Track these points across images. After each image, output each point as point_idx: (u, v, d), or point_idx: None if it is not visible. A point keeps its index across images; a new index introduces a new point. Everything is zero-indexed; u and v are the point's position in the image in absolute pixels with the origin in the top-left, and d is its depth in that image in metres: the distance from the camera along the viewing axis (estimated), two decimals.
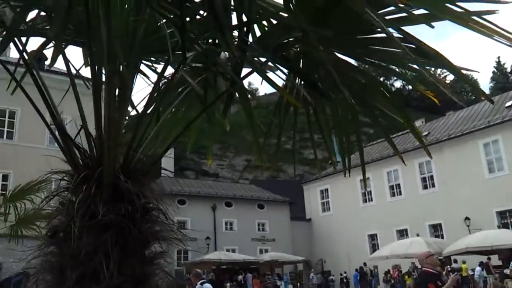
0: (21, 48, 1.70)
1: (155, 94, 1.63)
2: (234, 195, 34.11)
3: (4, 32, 1.70)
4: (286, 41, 1.78)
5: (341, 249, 32.65)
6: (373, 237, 32.12)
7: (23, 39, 1.96)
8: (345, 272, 31.27)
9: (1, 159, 20.52)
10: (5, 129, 22.87)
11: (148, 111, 1.66)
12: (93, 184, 1.44)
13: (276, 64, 1.75)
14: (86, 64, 1.99)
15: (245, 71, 1.73)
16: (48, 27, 1.76)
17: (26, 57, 1.85)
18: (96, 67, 1.51)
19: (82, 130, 1.70)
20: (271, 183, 45.39)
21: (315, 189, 37.54)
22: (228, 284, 26.78)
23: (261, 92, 69.21)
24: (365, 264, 29.19)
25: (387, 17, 1.57)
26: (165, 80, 1.91)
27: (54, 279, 1.36)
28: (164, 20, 1.67)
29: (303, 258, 32.08)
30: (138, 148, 1.60)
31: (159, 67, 1.93)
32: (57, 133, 1.62)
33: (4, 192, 19.77)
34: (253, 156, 55.87)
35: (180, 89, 2.03)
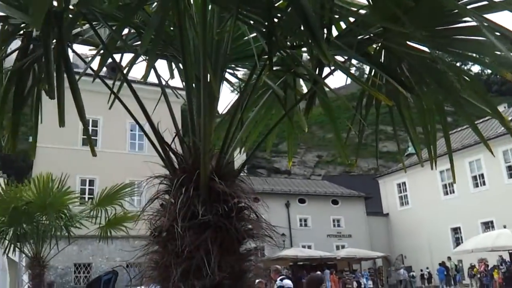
0: (117, 62, 1.86)
1: (245, 99, 1.70)
2: (307, 192, 33.97)
3: (101, 50, 1.86)
4: (366, 37, 1.79)
5: (422, 244, 31.38)
6: (456, 230, 30.50)
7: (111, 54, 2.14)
8: (427, 268, 30.00)
9: (87, 165, 22.03)
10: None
11: (232, 115, 1.75)
12: (191, 186, 1.55)
13: (359, 61, 1.76)
14: (171, 76, 2.13)
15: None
16: (136, 43, 1.90)
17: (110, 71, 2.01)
18: (187, 77, 1.62)
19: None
20: (344, 178, 44.64)
21: (391, 182, 36.35)
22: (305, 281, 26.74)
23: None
24: (449, 258, 27.82)
25: (468, 7, 1.53)
26: (243, 84, 1.99)
27: (160, 275, 1.48)
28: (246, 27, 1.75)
29: (382, 253, 31.23)
30: (227, 150, 1.69)
31: (237, 73, 2.02)
32: (154, 141, 1.75)
33: (91, 196, 21.31)
34: (324, 152, 55.28)
35: (259, 92, 2.10)
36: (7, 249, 6.86)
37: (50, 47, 1.56)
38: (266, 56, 1.66)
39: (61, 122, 1.73)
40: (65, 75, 1.78)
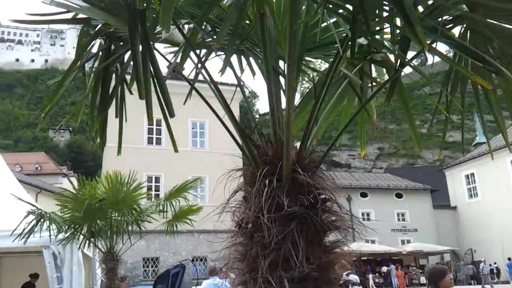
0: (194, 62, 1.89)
1: (324, 89, 1.68)
2: (369, 185, 33.26)
3: (182, 48, 1.90)
4: (450, 18, 1.69)
5: (493, 238, 29.75)
6: None
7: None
8: (495, 263, 28.44)
9: (153, 163, 22.90)
10: (154, 136, 25.55)
11: (313, 106, 1.72)
12: (274, 178, 1.55)
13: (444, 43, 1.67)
14: (241, 70, 2.14)
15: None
16: (207, 39, 1.93)
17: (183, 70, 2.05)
18: (268, 70, 1.62)
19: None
20: (408, 171, 43.26)
21: (459, 174, 34.73)
22: (370, 276, 26.26)
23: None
24: None
25: None
26: (317, 74, 1.96)
27: (247, 267, 1.49)
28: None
29: (450, 248, 29.96)
30: (308, 142, 1.68)
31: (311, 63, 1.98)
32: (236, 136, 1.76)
33: (157, 192, 22.15)
34: (386, 144, 53.79)
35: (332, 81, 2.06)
36: (82, 245, 7.25)
37: (138, 47, 1.62)
38: (339, 44, 1.62)
39: (150, 120, 1.80)
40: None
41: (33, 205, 6.46)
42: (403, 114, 2.14)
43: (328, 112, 2.00)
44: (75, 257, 7.61)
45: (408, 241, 31.43)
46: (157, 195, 20.26)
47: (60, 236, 6.64)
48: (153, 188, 24.29)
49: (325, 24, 1.77)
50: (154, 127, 25.30)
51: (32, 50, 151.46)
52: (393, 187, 33.48)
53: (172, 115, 1.77)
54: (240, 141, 1.69)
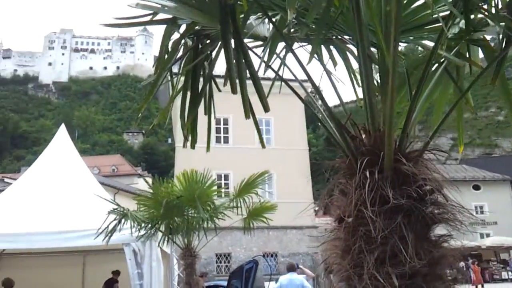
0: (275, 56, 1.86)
1: (426, 73, 1.58)
2: (443, 178, 31.72)
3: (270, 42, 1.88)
4: None
5: None
6: None
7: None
8: None
9: (221, 161, 23.35)
10: (222, 134, 26.08)
11: (415, 92, 1.63)
12: (375, 169, 1.49)
13: None
14: (333, 62, 2.07)
15: None
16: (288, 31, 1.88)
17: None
18: (364, 57, 1.55)
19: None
20: (485, 161, 40.71)
21: None
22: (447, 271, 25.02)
23: None
24: None
25: None
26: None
27: (351, 262, 1.45)
28: None
29: None
30: (409, 130, 1.59)
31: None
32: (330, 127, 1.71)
33: (227, 189, 22.60)
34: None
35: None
36: (161, 242, 7.51)
37: (231, 43, 1.62)
38: (437, 25, 1.52)
39: (247, 115, 1.80)
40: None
41: (115, 204, 6.80)
42: (503, 100, 1.97)
43: (424, 99, 1.88)
44: (154, 253, 7.91)
45: (488, 235, 29.64)
46: (227, 192, 20.66)
47: (140, 233, 6.92)
48: (223, 186, 24.83)
49: (420, 1, 1.66)
50: (222, 126, 25.83)
51: (104, 58, 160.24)
52: (470, 178, 31.70)
53: (267, 109, 1.75)
54: (335, 133, 1.63)
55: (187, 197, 6.47)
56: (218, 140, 25.92)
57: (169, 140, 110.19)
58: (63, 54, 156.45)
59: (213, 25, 1.76)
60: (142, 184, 55.94)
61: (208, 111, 2.15)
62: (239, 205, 7.32)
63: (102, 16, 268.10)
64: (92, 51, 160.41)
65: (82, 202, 8.70)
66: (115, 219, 6.45)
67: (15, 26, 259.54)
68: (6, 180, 46.55)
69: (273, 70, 1.95)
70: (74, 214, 8.15)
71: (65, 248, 9.65)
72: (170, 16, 1.83)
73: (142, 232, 6.80)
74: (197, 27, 1.88)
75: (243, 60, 1.64)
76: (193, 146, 2.16)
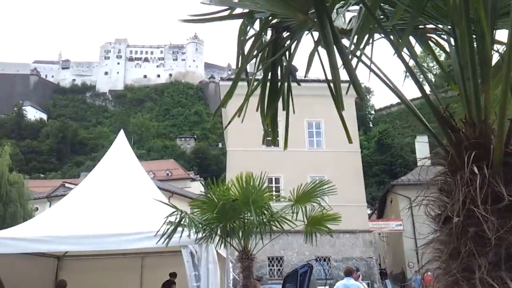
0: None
1: None
2: None
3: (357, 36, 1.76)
4: None
5: None
6: None
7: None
8: None
9: (272, 164, 23.31)
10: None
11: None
12: (483, 164, 1.35)
13: None
14: (431, 51, 1.93)
15: None
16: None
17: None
18: (470, 43, 1.41)
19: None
20: None
21: None
22: None
23: None
24: None
25: None
26: None
27: (459, 266, 1.31)
28: None
29: None
30: None
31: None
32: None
33: (277, 192, 22.52)
34: None
35: None
36: (218, 244, 7.53)
37: (330, 35, 1.53)
38: None
39: (341, 108, 1.72)
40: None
41: (174, 207, 6.90)
42: None
43: None
44: (211, 255, 7.95)
45: None
46: (283, 196, 20.65)
47: (197, 235, 6.98)
48: (274, 189, 24.81)
49: None
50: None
51: (157, 66, 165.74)
52: None
53: (342, 108, 1.65)
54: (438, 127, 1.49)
55: (242, 200, 6.45)
56: (268, 143, 25.95)
57: (220, 145, 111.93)
58: (118, 63, 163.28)
59: (295, 16, 1.67)
60: (195, 187, 57.08)
61: (286, 107, 2.06)
62: (296, 210, 7.19)
63: (155, 25, 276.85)
64: (146, 59, 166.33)
65: (141, 205, 8.92)
66: (174, 222, 6.53)
67: (72, 38, 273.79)
68: (67, 185, 49.12)
69: (365, 64, 1.83)
70: (133, 217, 8.36)
71: (125, 250, 9.94)
72: (246, 10, 1.76)
73: (199, 234, 6.85)
74: (275, 20, 1.80)
75: (336, 52, 1.53)
76: (274, 143, 2.09)
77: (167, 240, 6.44)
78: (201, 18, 1.71)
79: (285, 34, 1.91)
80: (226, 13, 1.74)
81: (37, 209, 31.99)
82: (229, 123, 2.21)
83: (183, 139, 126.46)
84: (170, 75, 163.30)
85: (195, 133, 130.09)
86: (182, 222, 6.55)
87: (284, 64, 1.98)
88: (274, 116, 2.03)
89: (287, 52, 1.95)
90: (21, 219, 20.77)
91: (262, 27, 1.81)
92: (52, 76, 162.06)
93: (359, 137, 37.12)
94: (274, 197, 6.50)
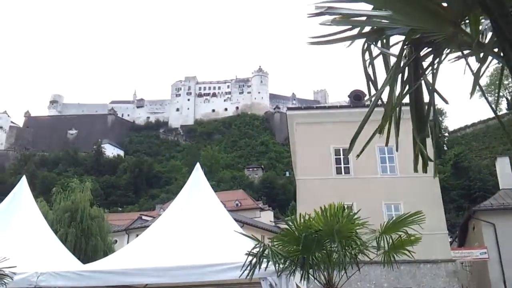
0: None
1: None
2: None
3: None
4: None
5: None
6: None
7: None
8: None
9: (342, 192, 22.60)
10: (342, 165, 25.51)
11: None
12: None
13: None
14: None
15: None
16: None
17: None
18: None
19: None
20: None
21: None
22: None
23: None
24: None
25: None
26: None
27: None
28: None
29: None
30: None
31: None
32: None
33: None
34: None
35: None
36: (301, 277, 7.27)
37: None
38: None
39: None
40: None
41: (255, 239, 6.80)
42: None
43: None
44: None
45: None
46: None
47: (277, 268, 6.79)
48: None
49: None
50: (341, 156, 25.25)
51: (224, 100, 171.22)
52: None
53: None
54: None
55: (326, 231, 6.21)
56: (338, 171, 25.32)
57: (287, 173, 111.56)
58: (188, 99, 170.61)
59: (442, 29, 1.48)
60: (265, 217, 56.90)
61: (436, 129, 1.86)
62: (381, 240, 6.84)
63: (221, 62, 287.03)
64: (214, 94, 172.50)
65: (219, 237, 8.91)
66: (257, 253, 6.41)
67: (145, 78, 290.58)
68: (143, 217, 51.04)
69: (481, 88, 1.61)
70: (213, 248, 8.35)
71: (202, 282, 9.93)
72: (369, 28, 1.62)
73: (281, 266, 6.66)
74: (415, 35, 1.62)
75: None
76: (425, 170, 1.88)
77: (250, 272, 6.33)
78: (327, 40, 1.60)
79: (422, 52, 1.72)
80: (354, 32, 1.61)
81: (116, 241, 33.32)
82: (362, 151, 2.03)
83: (250, 169, 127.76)
84: (237, 108, 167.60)
85: (262, 163, 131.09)
86: (264, 254, 6.41)
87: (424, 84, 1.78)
88: (423, 143, 1.82)
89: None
90: (102, 251, 21.63)
91: (404, 43, 1.64)
92: (128, 115, 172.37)
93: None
94: (360, 226, 6.18)
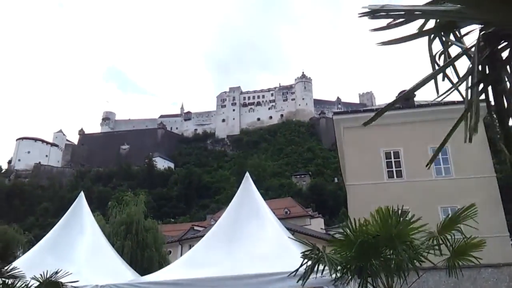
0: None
1: None
2: None
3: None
4: None
5: None
6: None
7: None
8: None
9: (394, 197, 21.92)
10: (394, 169, 24.75)
11: None
12: None
13: None
14: None
15: None
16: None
17: None
18: None
19: None
20: None
21: None
22: None
23: None
24: None
25: None
26: None
27: None
28: None
29: None
30: None
31: None
32: None
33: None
34: None
35: None
36: (360, 286, 7.06)
37: None
38: None
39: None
40: None
41: (311, 246, 6.67)
42: None
43: None
44: None
45: None
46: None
47: (333, 276, 6.63)
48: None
49: None
50: (392, 160, 24.55)
51: (269, 109, 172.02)
52: None
53: None
54: None
55: (383, 236, 5.99)
56: (390, 174, 24.60)
57: (336, 179, 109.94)
58: (233, 110, 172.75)
59: None
60: (315, 224, 56.23)
61: None
62: (439, 242, 6.51)
63: (264, 70, 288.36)
64: (258, 103, 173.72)
65: (272, 245, 8.86)
66: (311, 262, 6.28)
67: (191, 91, 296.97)
68: (195, 228, 51.83)
69: None
70: (267, 257, 8.31)
71: None
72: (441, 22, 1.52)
73: (338, 275, 6.50)
74: (490, 29, 1.51)
75: None
76: None
77: (304, 280, 6.21)
78: (396, 39, 1.51)
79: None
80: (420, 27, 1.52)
81: (170, 252, 33.98)
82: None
83: (298, 176, 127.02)
84: (282, 115, 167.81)
85: (310, 170, 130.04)
86: (319, 262, 6.28)
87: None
88: (509, 135, 1.69)
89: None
90: (157, 262, 22.07)
91: (480, 36, 1.53)
92: (176, 128, 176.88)
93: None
94: (419, 231, 5.90)
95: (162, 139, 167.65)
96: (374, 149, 23.90)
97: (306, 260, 6.15)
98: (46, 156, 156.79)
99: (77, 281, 7.44)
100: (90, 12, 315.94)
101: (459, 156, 23.61)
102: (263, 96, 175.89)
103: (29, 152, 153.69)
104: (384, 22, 1.62)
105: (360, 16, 1.57)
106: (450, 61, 1.61)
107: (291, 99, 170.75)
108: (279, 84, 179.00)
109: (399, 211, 5.94)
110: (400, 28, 1.57)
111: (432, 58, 1.69)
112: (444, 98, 1.71)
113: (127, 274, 10.46)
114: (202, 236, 11.53)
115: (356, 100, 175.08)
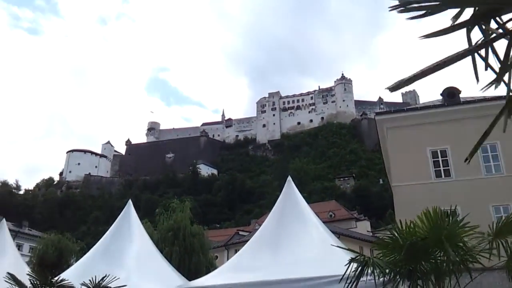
0: None
1: None
2: None
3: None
4: None
5: None
6: None
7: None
8: None
9: (442, 196, 21.16)
10: (441, 168, 23.91)
11: None
12: None
13: None
14: None
15: None
16: None
17: None
18: None
19: None
20: None
21: None
22: None
23: None
24: None
25: None
26: None
27: None
28: None
29: None
30: None
31: None
32: None
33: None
34: None
35: None
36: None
37: None
38: None
39: None
40: None
41: (355, 252, 6.58)
42: None
43: None
44: None
45: None
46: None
47: (383, 280, 6.49)
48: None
49: None
50: (440, 159, 23.77)
51: (309, 112, 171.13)
52: None
53: None
54: None
55: (433, 238, 5.81)
56: (437, 174, 23.78)
57: (381, 181, 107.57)
58: (273, 115, 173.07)
59: None
60: (361, 227, 55.15)
61: None
62: (494, 245, 6.22)
63: (302, 74, 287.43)
64: (298, 107, 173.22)
65: (317, 249, 8.80)
66: (358, 266, 6.19)
67: (231, 98, 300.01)
68: (240, 233, 52.14)
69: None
70: (312, 261, 8.26)
71: None
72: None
73: (386, 278, 6.36)
74: None
75: None
76: None
77: (353, 286, 6.12)
78: (439, 31, 1.49)
79: None
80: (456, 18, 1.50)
81: (216, 257, 34.35)
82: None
83: (341, 179, 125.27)
84: (322, 118, 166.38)
85: (353, 172, 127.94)
86: (366, 266, 6.17)
87: None
88: None
89: None
90: (204, 267, 22.37)
91: None
92: (218, 135, 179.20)
93: None
94: (471, 232, 5.65)
95: (205, 146, 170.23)
96: (420, 148, 23.26)
97: (352, 264, 6.07)
98: (96, 167, 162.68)
99: (125, 285, 7.66)
100: (133, 26, 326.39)
101: (510, 152, 22.62)
102: (303, 100, 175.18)
103: (79, 163, 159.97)
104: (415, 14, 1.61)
105: (391, 10, 1.56)
106: (487, 43, 1.56)
107: (331, 102, 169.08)
108: (319, 87, 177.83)
109: (448, 212, 5.75)
110: (436, 18, 1.55)
111: (472, 49, 1.64)
112: (485, 90, 1.66)
113: (176, 279, 10.67)
114: (247, 241, 11.59)
115: (399, 99, 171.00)
